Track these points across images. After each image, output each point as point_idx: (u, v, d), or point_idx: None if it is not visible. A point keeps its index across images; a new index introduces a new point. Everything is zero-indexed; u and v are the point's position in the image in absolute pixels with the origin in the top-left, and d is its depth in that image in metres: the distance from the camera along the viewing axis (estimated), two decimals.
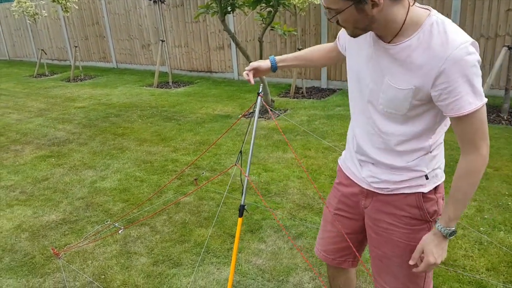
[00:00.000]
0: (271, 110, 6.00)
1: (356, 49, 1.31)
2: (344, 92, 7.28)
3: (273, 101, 6.20)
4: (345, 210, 1.52)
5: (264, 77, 5.77)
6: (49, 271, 2.68)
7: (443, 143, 1.33)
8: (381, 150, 1.31)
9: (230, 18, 8.34)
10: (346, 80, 7.67)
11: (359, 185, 1.43)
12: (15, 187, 4.03)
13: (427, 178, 1.30)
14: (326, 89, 7.71)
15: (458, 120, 1.14)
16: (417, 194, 1.31)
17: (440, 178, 1.34)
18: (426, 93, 1.14)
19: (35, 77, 10.67)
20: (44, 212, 3.48)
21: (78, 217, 3.36)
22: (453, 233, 1.24)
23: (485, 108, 1.12)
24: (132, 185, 3.89)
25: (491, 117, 5.22)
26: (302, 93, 7.35)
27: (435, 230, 1.25)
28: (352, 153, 1.43)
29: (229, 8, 5.66)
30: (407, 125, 1.23)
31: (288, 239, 2.90)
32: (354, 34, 1.20)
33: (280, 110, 6.27)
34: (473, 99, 1.09)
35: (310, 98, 7.07)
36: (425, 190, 1.31)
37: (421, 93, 1.15)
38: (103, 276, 2.60)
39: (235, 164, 1.84)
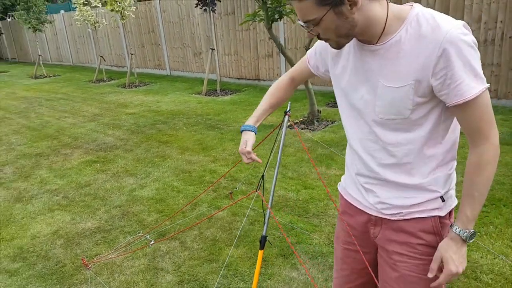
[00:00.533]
0: (307, 123, 5.77)
1: (339, 66, 1.25)
2: None
3: (320, 112, 5.97)
4: (355, 243, 1.38)
5: (310, 85, 5.57)
6: (77, 281, 2.68)
7: (455, 162, 1.22)
8: (388, 166, 1.20)
9: (280, 25, 8.23)
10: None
11: (366, 213, 1.30)
12: (59, 191, 4.16)
13: (443, 200, 1.20)
14: None
15: (462, 109, 1.07)
16: (434, 218, 1.20)
17: (454, 201, 1.25)
18: (427, 85, 1.07)
19: (94, 82, 11.25)
20: (81, 219, 3.54)
21: (113, 226, 3.37)
22: (473, 235, 1.13)
23: (487, 92, 1.06)
24: (168, 195, 3.86)
25: None
26: None
27: (452, 235, 1.14)
28: (354, 178, 1.31)
29: (276, 16, 5.54)
30: (413, 131, 1.14)
31: (323, 268, 2.68)
32: (338, 45, 1.14)
33: (327, 121, 6.02)
34: (475, 83, 1.03)
35: None
36: (441, 213, 1.20)
37: (422, 87, 1.07)
38: None
39: (256, 190, 1.68)
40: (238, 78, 9.65)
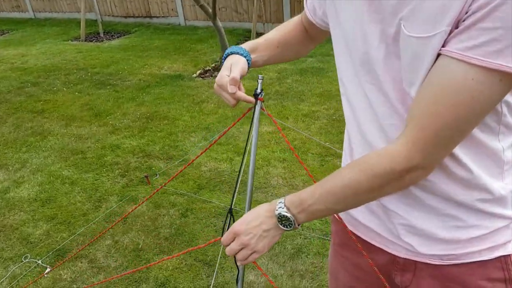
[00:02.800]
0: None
1: (341, 7, 0.79)
2: None
3: None
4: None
5: (219, 22, 4.78)
6: None
7: None
8: (435, 179, 0.78)
9: None
10: None
11: (385, 251, 0.91)
12: None
13: None
14: None
15: (444, 72, 0.64)
16: (503, 258, 0.82)
17: None
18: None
19: None
20: None
21: None
22: (286, 221, 0.79)
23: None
24: (59, 192, 2.95)
25: None
26: None
27: (274, 201, 0.83)
28: None
29: None
30: None
31: (283, 260, 2.19)
32: None
33: None
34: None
35: None
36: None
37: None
38: None
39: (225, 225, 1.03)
40: (125, 17, 8.27)
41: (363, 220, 0.93)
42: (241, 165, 0.97)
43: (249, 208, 1.00)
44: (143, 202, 2.69)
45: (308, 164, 3.06)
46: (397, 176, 0.70)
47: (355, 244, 0.94)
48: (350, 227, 0.99)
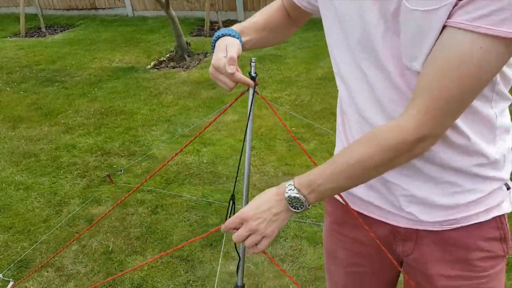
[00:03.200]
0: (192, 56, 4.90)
1: None
2: None
3: (189, 44, 5.11)
4: (366, 264, 1.03)
5: (172, 11, 4.63)
6: None
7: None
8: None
9: None
10: None
11: (386, 223, 0.93)
12: None
13: (508, 188, 0.87)
14: None
15: (451, 44, 0.65)
16: (498, 218, 0.87)
17: None
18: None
19: None
20: None
21: None
22: (297, 202, 0.78)
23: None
24: (13, 199, 2.74)
25: None
26: (219, 28, 6.29)
27: (283, 183, 0.82)
28: None
29: None
30: None
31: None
32: None
33: (200, 54, 5.22)
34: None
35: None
36: (509, 208, 0.88)
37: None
38: None
39: (228, 215, 0.98)
40: (67, 9, 7.83)
41: (362, 195, 0.95)
42: (242, 149, 0.92)
43: (248, 190, 0.95)
44: (120, 202, 2.56)
45: (276, 149, 3.04)
46: (408, 147, 0.71)
47: (356, 219, 0.93)
48: (348, 202, 0.98)
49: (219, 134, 3.33)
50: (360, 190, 0.94)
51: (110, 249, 2.26)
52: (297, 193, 0.77)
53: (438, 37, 0.66)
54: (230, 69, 0.84)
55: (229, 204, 1.11)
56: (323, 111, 3.53)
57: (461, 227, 0.86)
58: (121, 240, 2.32)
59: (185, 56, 4.96)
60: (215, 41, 0.93)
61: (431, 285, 0.93)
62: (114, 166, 3.00)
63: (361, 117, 0.85)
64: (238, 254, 1.34)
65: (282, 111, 3.58)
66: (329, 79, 4.21)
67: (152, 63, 5.02)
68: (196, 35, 6.12)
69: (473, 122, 0.77)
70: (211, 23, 6.33)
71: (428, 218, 0.86)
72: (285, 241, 2.22)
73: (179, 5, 6.96)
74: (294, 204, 0.78)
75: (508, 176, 0.87)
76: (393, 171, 0.85)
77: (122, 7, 7.38)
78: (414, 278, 0.97)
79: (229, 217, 1.01)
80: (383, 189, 0.90)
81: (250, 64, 0.95)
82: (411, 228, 0.90)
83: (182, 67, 4.83)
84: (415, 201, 0.86)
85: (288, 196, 0.78)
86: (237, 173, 1.02)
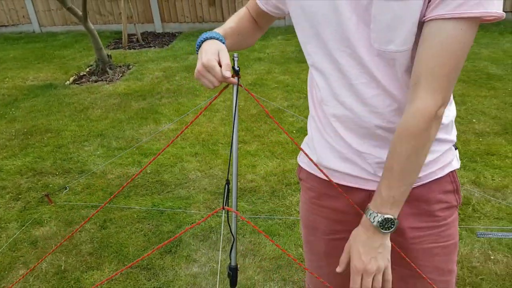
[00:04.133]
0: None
1: None
2: (187, 36, 6.47)
3: (110, 57, 5.00)
4: (345, 229, 1.09)
5: (91, 25, 4.53)
6: None
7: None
8: (393, 113, 0.93)
9: None
10: (184, 22, 6.98)
11: (362, 189, 1.05)
12: None
13: (456, 148, 1.04)
14: (163, 33, 6.76)
15: (439, 32, 0.80)
16: (451, 173, 1.03)
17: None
18: None
19: None
20: None
21: None
22: (387, 222, 0.90)
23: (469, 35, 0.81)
24: None
25: None
26: (137, 40, 6.24)
27: (363, 219, 0.95)
28: (341, 144, 1.03)
29: None
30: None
31: (223, 246, 2.24)
32: None
33: (121, 66, 5.13)
34: (497, 2, 0.78)
35: (151, 47, 6.06)
36: (457, 165, 1.05)
37: None
38: None
39: (223, 207, 1.06)
40: None
41: (338, 168, 1.05)
42: (232, 135, 1.00)
43: (237, 180, 1.04)
44: (89, 218, 2.44)
45: (220, 153, 3.13)
46: (434, 118, 0.85)
47: (335, 189, 1.05)
48: (327, 175, 1.09)
49: (158, 144, 3.33)
50: (337, 164, 1.05)
51: (62, 268, 2.17)
52: (382, 215, 0.88)
53: (416, 26, 0.81)
54: (227, 73, 0.93)
55: (225, 188, 1.19)
56: (259, 114, 3.70)
57: (423, 184, 1.00)
58: (73, 258, 2.23)
59: (107, 69, 4.84)
60: (202, 42, 1.01)
61: (403, 238, 1.05)
62: (50, 186, 2.86)
63: (337, 101, 0.97)
64: (233, 235, 1.42)
65: (218, 117, 3.69)
66: (259, 84, 4.42)
67: (72, 79, 4.83)
68: (114, 48, 6.00)
69: None
70: (129, 35, 6.25)
71: None
72: (244, 237, 2.32)
73: (92, 19, 6.76)
74: (385, 225, 0.89)
75: (455, 139, 1.04)
76: (366, 144, 0.99)
77: (27, 23, 6.96)
78: (394, 237, 1.08)
79: (225, 201, 1.10)
80: (358, 160, 1.01)
81: (233, 59, 1.06)
82: None
83: (105, 80, 4.72)
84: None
85: (377, 222, 0.89)
86: (230, 157, 1.11)
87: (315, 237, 1.20)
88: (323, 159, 1.06)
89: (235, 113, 1.07)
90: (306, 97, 4.07)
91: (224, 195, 1.30)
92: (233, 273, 1.44)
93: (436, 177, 1.00)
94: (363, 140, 0.98)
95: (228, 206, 1.37)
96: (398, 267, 1.07)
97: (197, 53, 1.00)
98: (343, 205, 1.08)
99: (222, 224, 2.40)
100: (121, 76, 4.86)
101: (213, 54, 0.96)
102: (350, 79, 0.92)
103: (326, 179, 1.08)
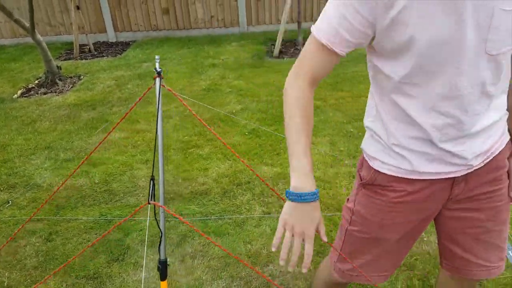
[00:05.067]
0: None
1: (427, 12, 0.93)
2: (140, 44, 6.45)
3: (60, 68, 4.93)
4: (422, 218, 1.24)
5: (39, 36, 4.46)
6: None
7: None
8: (483, 112, 1.07)
9: None
10: (138, 30, 7.03)
11: (448, 178, 1.16)
12: None
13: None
14: (116, 43, 6.71)
15: None
16: (509, 141, 1.20)
17: None
18: None
19: None
20: None
21: None
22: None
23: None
24: None
25: (291, 51, 5.44)
26: (89, 51, 6.17)
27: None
28: (433, 148, 1.11)
29: None
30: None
31: (172, 249, 2.26)
32: None
33: (72, 77, 5.07)
34: None
35: (103, 56, 6.01)
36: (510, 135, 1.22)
37: None
38: None
39: (149, 202, 1.11)
40: None
41: (427, 169, 1.13)
42: (156, 132, 1.05)
43: (164, 181, 1.09)
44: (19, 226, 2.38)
45: (172, 159, 3.15)
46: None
47: (416, 186, 1.16)
48: (408, 175, 1.16)
49: (108, 153, 3.32)
50: (428, 166, 1.12)
51: (5, 284, 2.13)
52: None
53: None
54: (307, 267, 1.00)
55: (150, 184, 1.22)
56: (212, 119, 3.75)
57: (493, 157, 1.14)
58: (16, 273, 2.20)
59: (57, 80, 4.77)
60: (294, 200, 1.02)
61: (478, 205, 1.19)
62: (9, 203, 2.80)
63: (463, 109, 1.03)
64: (160, 230, 1.46)
65: (171, 123, 3.71)
66: (213, 89, 4.47)
67: (20, 92, 4.72)
68: (65, 59, 5.91)
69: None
70: (81, 46, 6.17)
71: (477, 162, 1.12)
72: (193, 239, 2.35)
73: (42, 30, 6.63)
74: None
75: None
76: (460, 142, 1.08)
77: None
78: (463, 205, 1.20)
79: (151, 196, 1.13)
80: (449, 157, 1.10)
81: (155, 60, 1.12)
82: (464, 174, 1.13)
83: (55, 92, 4.64)
84: (469, 156, 1.09)
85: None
86: (154, 155, 1.15)
87: (390, 232, 1.25)
88: (416, 166, 1.13)
89: (158, 110, 1.12)
90: (258, 101, 4.17)
91: (149, 190, 1.35)
92: (162, 266, 1.49)
93: (502, 148, 1.15)
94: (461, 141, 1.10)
95: (155, 201, 1.42)
96: (469, 228, 1.23)
97: (289, 199, 1.02)
98: (424, 197, 1.18)
99: (163, 223, 2.42)
100: (72, 87, 4.79)
101: (307, 225, 1.02)
102: (486, 84, 1.02)
103: (413, 177, 1.14)
